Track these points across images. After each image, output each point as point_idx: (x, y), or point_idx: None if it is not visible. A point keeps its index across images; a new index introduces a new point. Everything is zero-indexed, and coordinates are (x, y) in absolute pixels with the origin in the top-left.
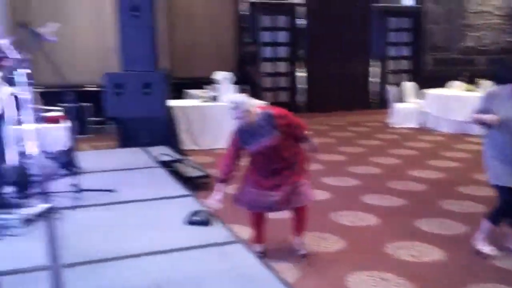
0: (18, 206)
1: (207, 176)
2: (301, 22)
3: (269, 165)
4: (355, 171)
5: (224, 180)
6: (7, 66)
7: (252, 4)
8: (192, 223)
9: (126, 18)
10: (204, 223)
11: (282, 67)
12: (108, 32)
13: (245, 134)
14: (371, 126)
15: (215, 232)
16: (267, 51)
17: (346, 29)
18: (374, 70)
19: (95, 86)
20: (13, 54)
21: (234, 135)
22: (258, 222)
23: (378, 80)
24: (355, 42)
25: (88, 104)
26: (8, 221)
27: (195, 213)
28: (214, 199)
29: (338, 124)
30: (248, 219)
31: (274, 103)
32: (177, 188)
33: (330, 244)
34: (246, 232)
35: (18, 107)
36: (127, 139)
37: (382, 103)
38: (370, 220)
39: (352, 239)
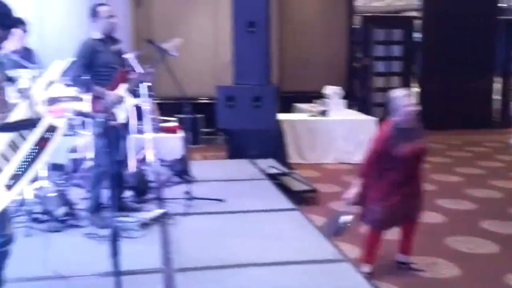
0: (136, 210)
1: (313, 191)
2: (417, 35)
3: (405, 173)
4: (473, 193)
5: (364, 177)
6: (132, 79)
7: (366, 17)
8: (333, 230)
9: (241, 33)
10: (338, 231)
11: (395, 82)
12: (222, 46)
13: (401, 132)
14: (491, 146)
15: (322, 248)
16: (380, 66)
17: (467, 42)
18: (496, 87)
19: (207, 98)
20: (138, 68)
21: (387, 133)
22: (374, 241)
23: (500, 97)
24: (476, 56)
25: (201, 115)
26: (126, 223)
27: (333, 219)
28: (350, 193)
29: (454, 143)
30: (363, 238)
31: (385, 119)
32: (283, 201)
33: (444, 270)
34: (353, 250)
35: (139, 117)
36: (236, 151)
37: (505, 122)
38: (490, 247)
39: (469, 266)
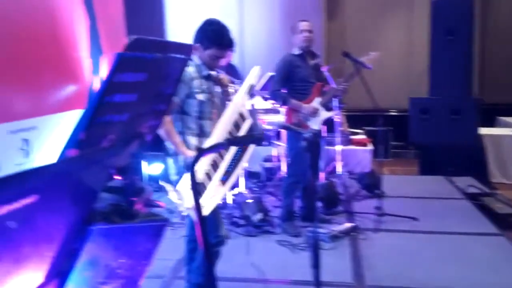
0: (326, 221)
1: None
2: None
3: None
4: None
5: None
6: (327, 92)
7: None
8: None
9: (440, 42)
10: None
11: None
12: (416, 56)
13: None
14: None
15: None
16: None
17: None
18: None
19: (396, 110)
20: (332, 81)
21: None
22: None
23: None
24: None
25: (389, 128)
26: (318, 234)
27: None
28: None
29: None
30: None
31: None
32: (486, 225)
33: None
34: None
35: (330, 129)
36: (429, 166)
37: None
38: None
39: None
